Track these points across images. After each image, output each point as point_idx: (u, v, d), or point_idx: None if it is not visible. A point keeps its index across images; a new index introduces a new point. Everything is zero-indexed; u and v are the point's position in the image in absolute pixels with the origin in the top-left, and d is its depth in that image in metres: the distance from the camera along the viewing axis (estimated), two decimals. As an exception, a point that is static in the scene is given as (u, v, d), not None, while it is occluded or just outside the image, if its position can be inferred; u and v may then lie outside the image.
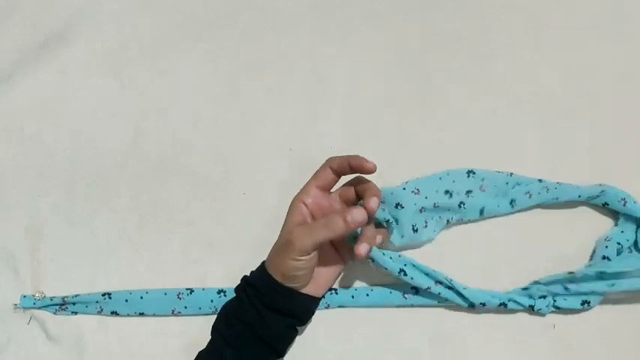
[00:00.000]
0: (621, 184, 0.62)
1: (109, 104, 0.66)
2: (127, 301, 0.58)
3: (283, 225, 0.55)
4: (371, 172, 0.53)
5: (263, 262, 0.55)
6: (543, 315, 0.58)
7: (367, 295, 0.59)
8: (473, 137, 0.64)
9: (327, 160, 0.55)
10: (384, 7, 0.68)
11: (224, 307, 0.55)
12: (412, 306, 0.59)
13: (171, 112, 0.66)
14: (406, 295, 0.58)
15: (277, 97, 0.66)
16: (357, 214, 0.51)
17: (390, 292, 0.59)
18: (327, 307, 0.59)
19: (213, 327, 0.55)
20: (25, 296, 0.59)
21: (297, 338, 0.58)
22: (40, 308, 0.59)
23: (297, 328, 0.56)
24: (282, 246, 0.53)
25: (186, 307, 0.58)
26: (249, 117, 0.65)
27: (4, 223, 0.62)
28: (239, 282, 0.56)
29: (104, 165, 0.64)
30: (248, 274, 0.56)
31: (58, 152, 0.64)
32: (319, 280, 0.56)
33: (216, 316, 0.55)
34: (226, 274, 0.60)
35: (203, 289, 0.59)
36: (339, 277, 0.60)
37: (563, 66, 0.67)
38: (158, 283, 0.60)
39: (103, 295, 0.59)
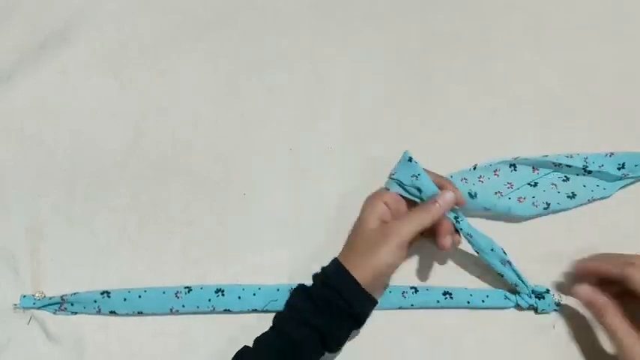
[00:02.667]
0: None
1: (109, 104, 0.66)
2: (125, 299, 0.58)
3: (358, 225, 0.55)
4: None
5: (337, 263, 0.53)
6: (547, 313, 0.58)
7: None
8: (473, 137, 0.64)
9: None
10: (384, 7, 0.68)
11: (293, 305, 0.54)
12: (411, 306, 0.59)
13: (171, 112, 0.66)
14: (405, 294, 0.59)
15: (277, 97, 0.66)
16: (447, 195, 0.54)
17: (390, 292, 0.59)
18: (328, 307, 0.59)
19: (279, 321, 0.53)
20: (25, 296, 0.59)
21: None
22: (39, 308, 0.59)
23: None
24: (376, 243, 0.52)
25: (184, 306, 0.58)
26: (249, 117, 0.65)
27: (4, 223, 0.62)
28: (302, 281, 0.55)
29: (104, 165, 0.64)
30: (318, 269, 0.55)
31: (58, 152, 0.64)
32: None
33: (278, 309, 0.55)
34: (226, 275, 0.60)
35: (201, 288, 0.59)
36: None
37: (563, 66, 0.67)
38: (158, 283, 0.60)
39: (102, 293, 0.59)
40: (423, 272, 0.60)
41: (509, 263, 0.57)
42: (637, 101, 0.66)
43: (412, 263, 0.60)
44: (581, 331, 0.59)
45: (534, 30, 0.68)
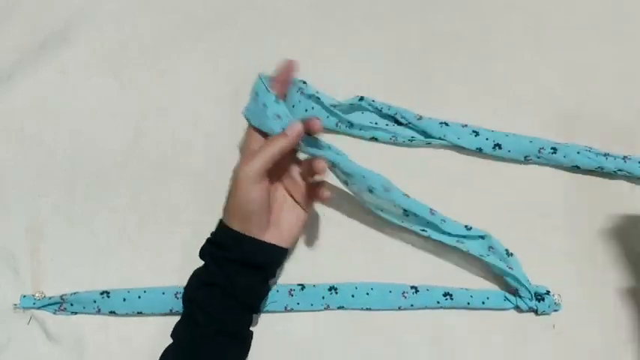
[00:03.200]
0: (623, 183, 0.63)
1: (109, 104, 0.66)
2: (124, 300, 0.58)
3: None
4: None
5: (221, 219, 0.56)
6: (547, 314, 0.59)
7: (367, 294, 0.59)
8: (473, 137, 0.64)
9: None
10: (384, 7, 0.68)
11: (192, 275, 0.56)
12: (411, 306, 0.59)
13: (171, 112, 0.66)
14: (405, 294, 0.59)
15: (277, 97, 0.66)
16: (295, 125, 0.53)
17: (390, 292, 0.59)
18: (327, 307, 0.59)
19: (183, 297, 0.56)
20: (25, 296, 0.59)
21: (297, 339, 0.58)
22: (39, 308, 0.59)
23: (269, 281, 0.56)
24: (231, 189, 0.54)
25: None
26: (250, 117, 0.65)
27: (4, 223, 0.62)
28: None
29: (104, 165, 0.64)
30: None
31: (58, 152, 0.64)
32: (282, 228, 0.56)
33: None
34: (226, 274, 0.60)
35: (201, 289, 0.59)
36: (340, 269, 0.60)
37: (563, 66, 0.67)
38: (158, 284, 0.60)
39: (102, 293, 0.59)
40: (423, 272, 0.60)
41: (511, 269, 0.57)
42: (637, 101, 0.66)
43: (412, 263, 0.60)
44: (581, 331, 0.59)
45: (534, 30, 0.68)
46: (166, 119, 0.65)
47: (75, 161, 0.64)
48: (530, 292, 0.58)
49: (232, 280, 0.53)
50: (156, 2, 0.69)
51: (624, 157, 0.62)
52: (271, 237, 0.55)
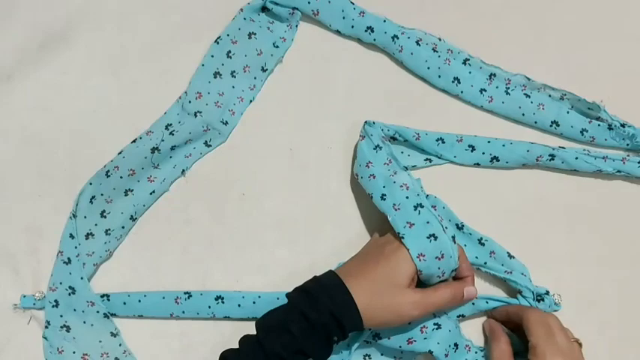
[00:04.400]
0: (622, 183, 0.63)
1: (109, 104, 0.65)
2: (125, 303, 0.58)
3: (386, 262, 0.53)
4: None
5: (346, 291, 0.51)
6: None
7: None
8: (473, 137, 0.64)
9: None
10: (383, 7, 0.68)
11: (291, 327, 0.49)
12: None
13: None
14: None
15: (277, 97, 0.66)
16: (473, 291, 0.55)
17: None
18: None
19: (267, 339, 0.50)
20: (25, 296, 0.59)
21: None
22: (40, 308, 0.59)
23: None
24: (389, 306, 0.51)
25: (184, 312, 0.58)
26: (249, 117, 0.65)
27: (4, 223, 0.62)
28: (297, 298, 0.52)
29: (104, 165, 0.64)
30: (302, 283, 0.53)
31: (58, 152, 0.64)
32: None
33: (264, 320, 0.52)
34: (226, 275, 0.60)
35: (201, 294, 0.59)
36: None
37: (563, 66, 0.67)
38: (158, 284, 0.60)
39: (102, 296, 0.59)
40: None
41: (509, 272, 0.57)
42: (637, 101, 0.66)
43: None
44: (581, 331, 0.59)
45: (534, 30, 0.68)
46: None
47: (75, 161, 0.64)
48: (532, 292, 0.58)
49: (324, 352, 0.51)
50: (156, 2, 0.68)
51: (622, 159, 0.61)
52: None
